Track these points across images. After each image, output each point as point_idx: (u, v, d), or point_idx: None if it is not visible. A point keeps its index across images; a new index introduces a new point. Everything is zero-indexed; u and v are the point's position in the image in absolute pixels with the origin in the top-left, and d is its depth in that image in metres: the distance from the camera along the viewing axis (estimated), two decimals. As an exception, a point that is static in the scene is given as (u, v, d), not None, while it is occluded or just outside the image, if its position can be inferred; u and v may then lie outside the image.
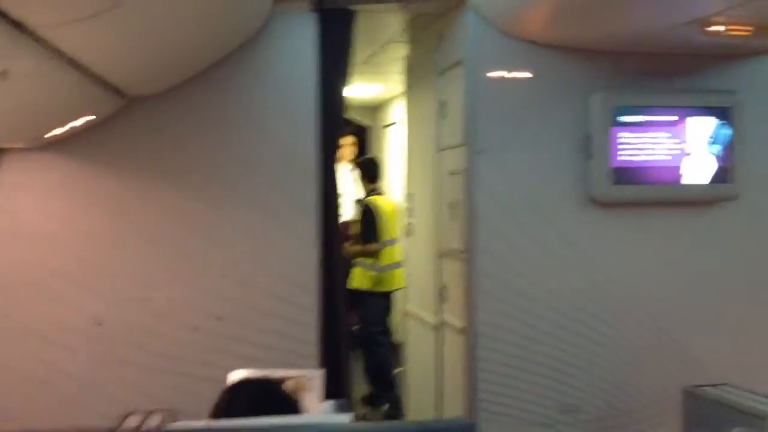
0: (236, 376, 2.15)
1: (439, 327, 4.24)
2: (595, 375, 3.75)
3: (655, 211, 3.86)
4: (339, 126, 4.01)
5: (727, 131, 3.80)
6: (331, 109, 3.83)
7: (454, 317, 3.98)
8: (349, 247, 5.35)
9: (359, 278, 5.44)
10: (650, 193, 3.79)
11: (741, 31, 3.29)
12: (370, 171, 5.67)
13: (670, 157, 3.76)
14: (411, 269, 5.05)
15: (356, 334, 5.42)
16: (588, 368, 3.74)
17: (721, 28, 3.24)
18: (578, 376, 3.73)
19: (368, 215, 5.45)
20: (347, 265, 5.02)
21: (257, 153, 3.67)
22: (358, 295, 5.38)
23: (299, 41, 3.70)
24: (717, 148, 3.79)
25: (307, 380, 2.32)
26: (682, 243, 3.88)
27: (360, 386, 5.32)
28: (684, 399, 3.51)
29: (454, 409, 3.97)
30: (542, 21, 3.58)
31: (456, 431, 1.52)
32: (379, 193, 5.61)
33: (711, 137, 3.79)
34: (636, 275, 3.81)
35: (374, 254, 5.41)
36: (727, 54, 3.83)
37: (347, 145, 6.32)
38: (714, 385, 3.51)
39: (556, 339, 3.71)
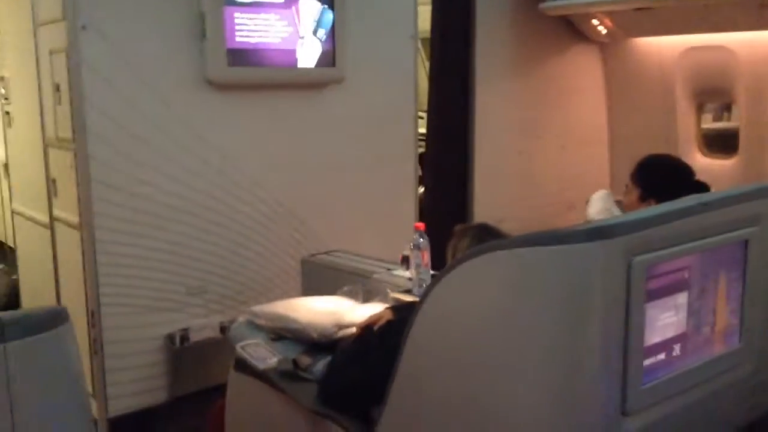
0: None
1: (51, 224, 3.88)
2: (219, 255, 3.81)
3: (271, 94, 3.95)
4: None
5: (329, 15, 3.99)
6: None
7: (67, 212, 3.66)
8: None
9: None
10: (265, 75, 3.85)
11: None
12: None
13: (281, 40, 3.85)
14: (15, 164, 4.49)
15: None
16: (212, 249, 3.79)
17: None
18: (203, 258, 3.76)
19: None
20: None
21: None
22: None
23: None
24: (322, 32, 3.98)
25: None
26: (296, 125, 4.06)
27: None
28: (302, 267, 3.79)
29: (76, 307, 3.73)
30: None
31: (48, 318, 1.39)
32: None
33: (315, 21, 3.95)
34: (254, 156, 3.90)
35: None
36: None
37: None
38: (327, 253, 3.85)
39: (177, 223, 3.66)
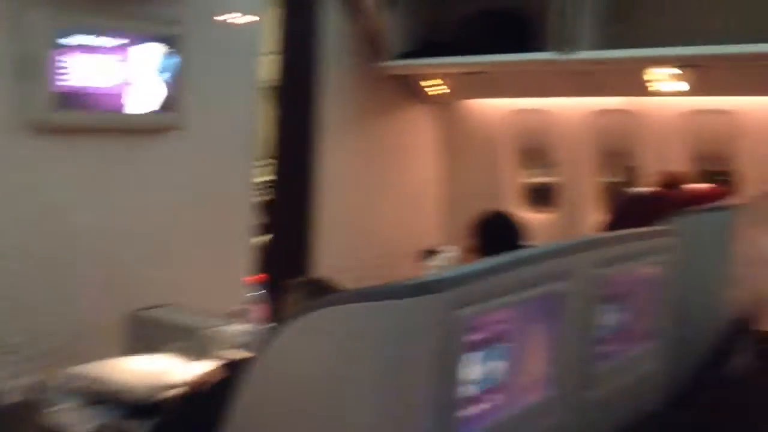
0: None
1: None
2: (34, 308, 3.54)
3: (102, 139, 3.79)
4: None
5: (174, 60, 3.90)
6: None
7: None
8: None
9: None
10: (95, 120, 3.69)
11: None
12: None
13: (116, 84, 3.71)
14: None
15: None
16: (27, 302, 3.50)
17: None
18: (16, 313, 3.47)
19: None
20: None
21: None
22: None
23: None
24: (165, 76, 3.89)
25: None
26: (128, 171, 3.91)
27: None
28: (129, 322, 3.60)
29: None
30: None
31: None
32: None
33: (159, 65, 3.85)
34: (83, 204, 3.71)
35: None
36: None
37: None
38: (156, 307, 3.69)
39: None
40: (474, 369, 1.88)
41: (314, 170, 5.21)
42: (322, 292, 2.46)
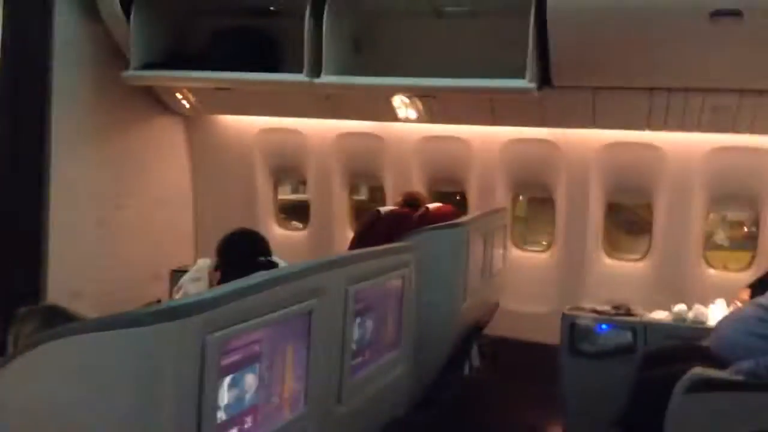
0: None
1: None
2: None
3: None
4: None
5: None
6: None
7: None
8: None
9: None
10: None
11: None
12: None
13: None
14: None
15: None
16: None
17: None
18: None
19: None
20: None
21: None
22: None
23: None
24: None
25: None
26: None
27: None
28: None
29: None
30: None
31: None
32: None
33: None
34: None
35: None
36: None
37: None
38: None
39: None
40: (228, 393, 1.84)
41: (44, 185, 4.75)
42: (58, 320, 2.26)
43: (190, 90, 5.62)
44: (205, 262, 3.50)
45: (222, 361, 1.80)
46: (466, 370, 4.68)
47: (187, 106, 5.80)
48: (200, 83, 5.32)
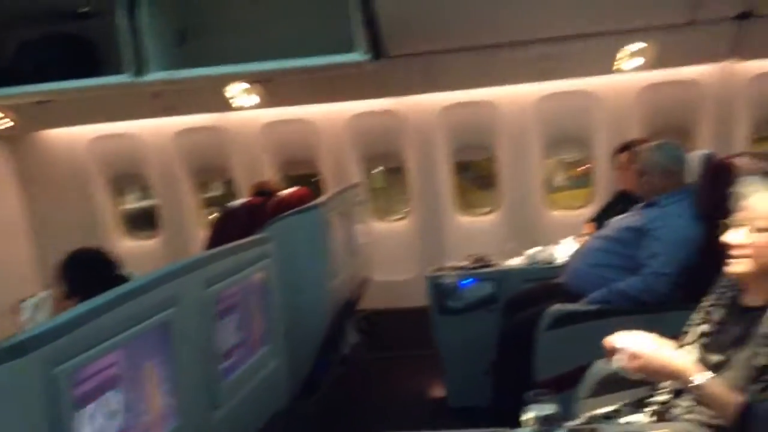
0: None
1: None
2: None
3: None
4: None
5: None
6: None
7: None
8: None
9: None
10: None
11: None
12: None
13: None
14: None
15: None
16: None
17: None
18: None
19: None
20: None
21: None
22: None
23: None
24: None
25: None
26: None
27: None
28: None
29: None
30: None
31: None
32: None
33: None
34: None
35: None
36: None
37: None
38: None
39: None
40: (89, 424, 1.72)
41: None
42: None
43: (7, 108, 5.17)
44: (44, 300, 3.26)
45: (75, 393, 1.68)
46: (345, 349, 4.69)
47: (8, 125, 5.34)
48: (13, 100, 4.88)
